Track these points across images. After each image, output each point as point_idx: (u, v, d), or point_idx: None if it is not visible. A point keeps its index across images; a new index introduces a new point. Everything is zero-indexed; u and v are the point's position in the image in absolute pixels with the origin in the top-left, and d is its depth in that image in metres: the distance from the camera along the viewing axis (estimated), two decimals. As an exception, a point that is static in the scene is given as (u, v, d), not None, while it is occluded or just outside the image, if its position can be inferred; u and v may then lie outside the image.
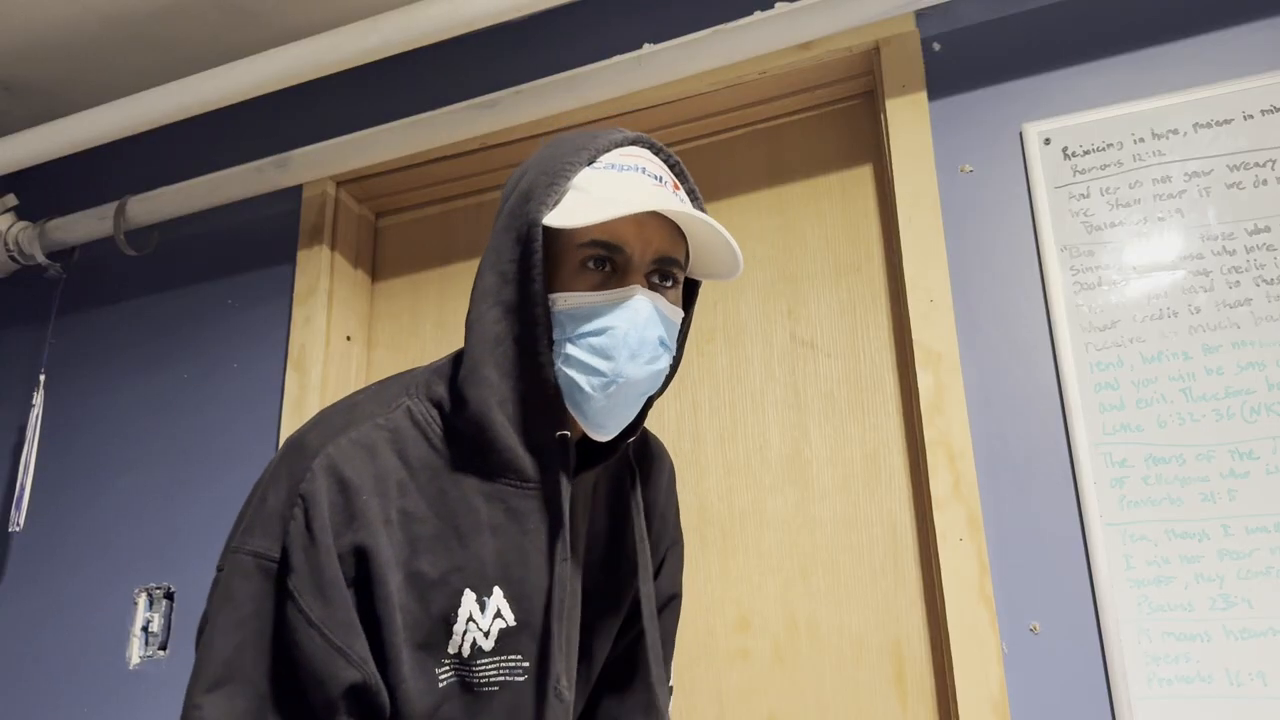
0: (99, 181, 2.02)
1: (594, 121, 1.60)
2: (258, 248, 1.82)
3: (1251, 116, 1.23)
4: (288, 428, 1.65)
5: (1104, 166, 1.28)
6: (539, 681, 0.84)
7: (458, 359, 0.89)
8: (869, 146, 1.53)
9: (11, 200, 1.92)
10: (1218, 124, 1.24)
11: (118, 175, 2.00)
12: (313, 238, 1.75)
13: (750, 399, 1.49)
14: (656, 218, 0.84)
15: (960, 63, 1.40)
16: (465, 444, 0.84)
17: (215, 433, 1.73)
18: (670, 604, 1.08)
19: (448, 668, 0.82)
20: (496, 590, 0.83)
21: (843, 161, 1.55)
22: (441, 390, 0.87)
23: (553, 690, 0.84)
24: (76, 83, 1.91)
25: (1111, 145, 1.28)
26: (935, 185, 1.35)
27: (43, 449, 1.83)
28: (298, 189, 1.80)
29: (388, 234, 1.87)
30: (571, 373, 0.82)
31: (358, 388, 1.39)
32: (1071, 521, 1.19)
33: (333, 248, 1.75)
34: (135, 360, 1.85)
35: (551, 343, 0.83)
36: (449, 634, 0.82)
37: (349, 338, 1.75)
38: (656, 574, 1.05)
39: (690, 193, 0.91)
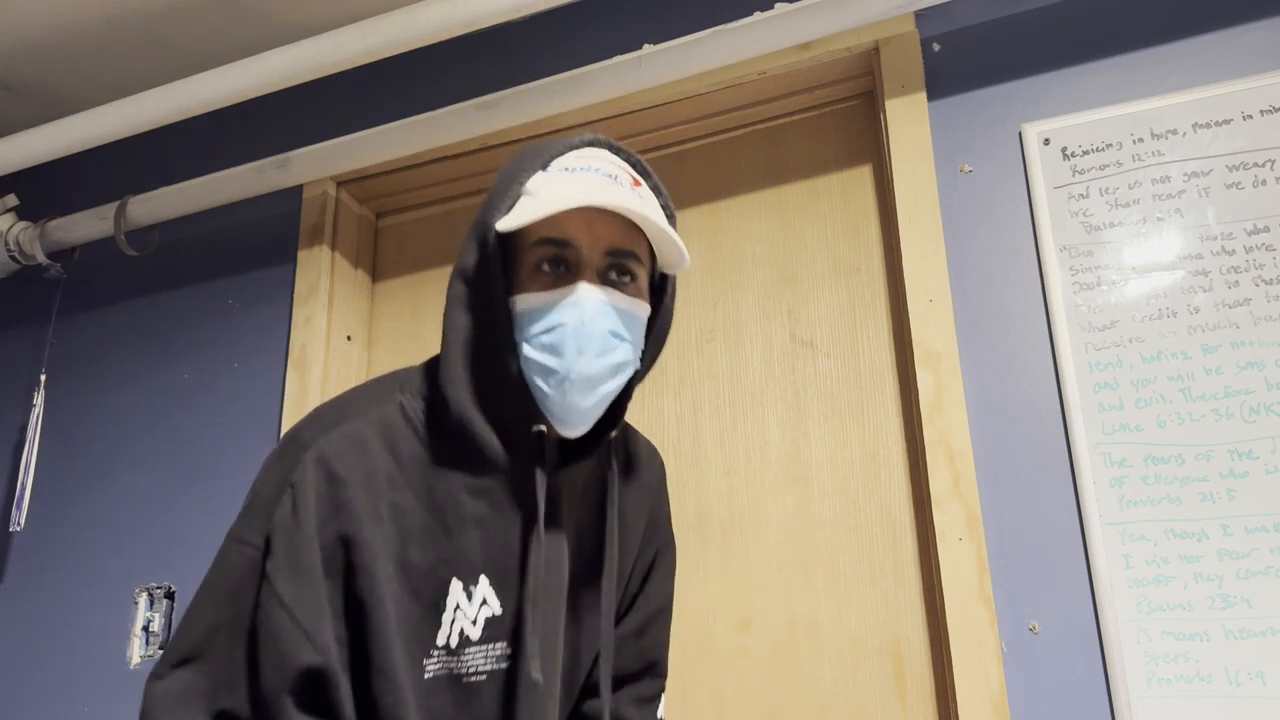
0: (99, 181, 2.02)
1: (595, 122, 1.60)
2: (258, 248, 1.82)
3: (1251, 116, 1.23)
4: (288, 428, 1.64)
5: (1103, 167, 1.28)
6: (517, 667, 0.88)
7: (430, 376, 0.93)
8: (869, 147, 1.54)
9: (12, 200, 1.92)
10: (1217, 124, 1.25)
11: (118, 175, 2.00)
12: (313, 238, 1.75)
13: (750, 399, 1.49)
14: (607, 214, 0.86)
15: (960, 63, 1.40)
16: (450, 439, 0.87)
17: (215, 433, 1.73)
18: (658, 619, 1.07)
19: (435, 659, 0.85)
20: (483, 579, 0.87)
21: (842, 161, 1.55)
22: (429, 388, 0.90)
23: (524, 673, 0.87)
24: (76, 83, 1.91)
25: (1111, 145, 1.28)
26: (935, 185, 1.36)
27: (43, 449, 1.83)
28: (298, 189, 1.80)
29: (388, 234, 1.87)
30: (530, 374, 0.86)
31: (358, 388, 1.39)
32: (1071, 521, 1.19)
33: (333, 248, 1.75)
34: (135, 360, 1.85)
35: (514, 344, 0.86)
36: (438, 624, 0.85)
37: (349, 338, 1.76)
38: (646, 578, 1.06)
39: (654, 189, 0.92)
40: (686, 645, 1.41)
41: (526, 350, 0.85)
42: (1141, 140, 1.27)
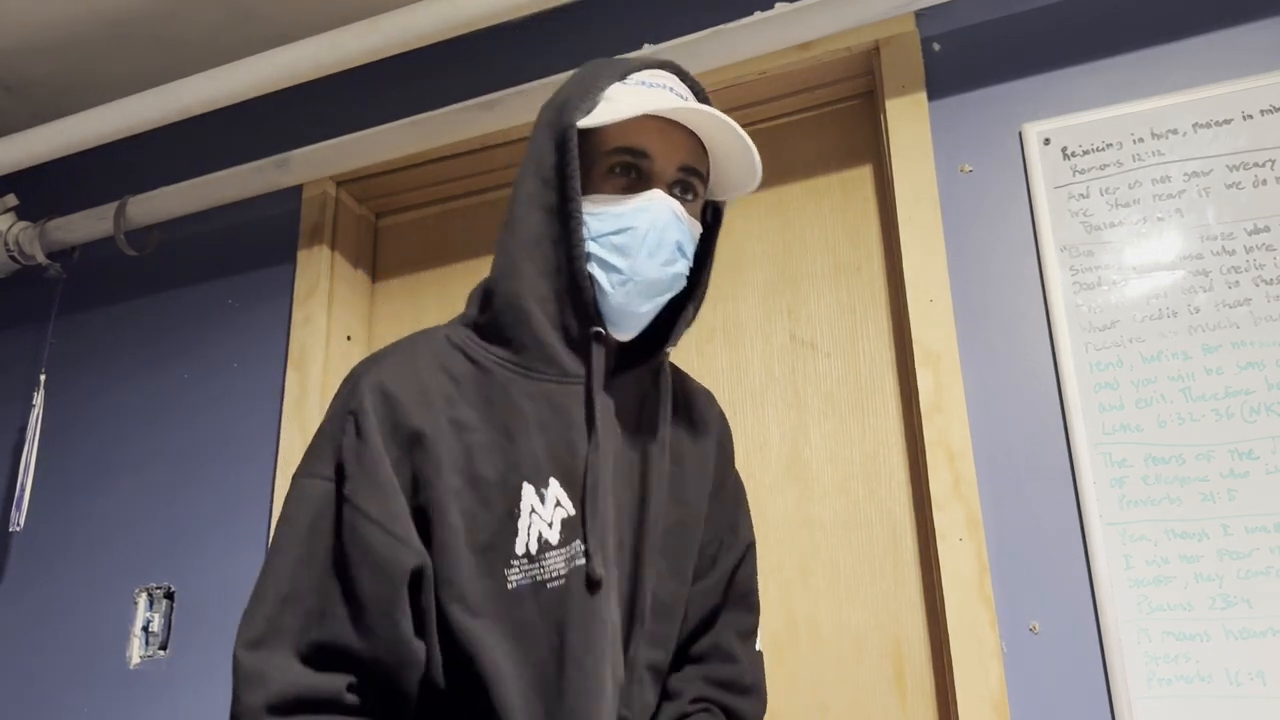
0: (99, 181, 2.02)
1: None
2: (258, 248, 1.82)
3: (1251, 116, 1.23)
4: (288, 428, 1.65)
5: (1103, 166, 1.28)
6: (591, 565, 0.86)
7: (482, 290, 0.94)
8: (869, 146, 1.53)
9: (12, 200, 1.92)
10: (1217, 124, 1.25)
11: (118, 175, 2.00)
12: (313, 238, 1.75)
13: (750, 399, 1.49)
14: (680, 131, 0.89)
15: (960, 63, 1.40)
16: (504, 348, 0.89)
17: (215, 433, 1.73)
18: (748, 555, 1.06)
19: (517, 569, 0.84)
20: (553, 481, 0.86)
21: (843, 161, 1.55)
22: (473, 314, 0.93)
23: (590, 571, 0.85)
24: (76, 83, 1.91)
25: (1111, 145, 1.28)
26: (935, 185, 1.36)
27: (43, 449, 1.83)
28: (298, 189, 1.80)
29: (388, 234, 1.87)
30: (594, 270, 0.87)
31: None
32: (1071, 521, 1.19)
33: (333, 248, 1.75)
34: (135, 360, 1.85)
35: (583, 242, 0.88)
36: (515, 531, 0.84)
37: (349, 338, 1.75)
38: (736, 516, 1.05)
39: None
40: (686, 645, 1.41)
41: (593, 248, 0.87)
42: (1142, 140, 1.27)
